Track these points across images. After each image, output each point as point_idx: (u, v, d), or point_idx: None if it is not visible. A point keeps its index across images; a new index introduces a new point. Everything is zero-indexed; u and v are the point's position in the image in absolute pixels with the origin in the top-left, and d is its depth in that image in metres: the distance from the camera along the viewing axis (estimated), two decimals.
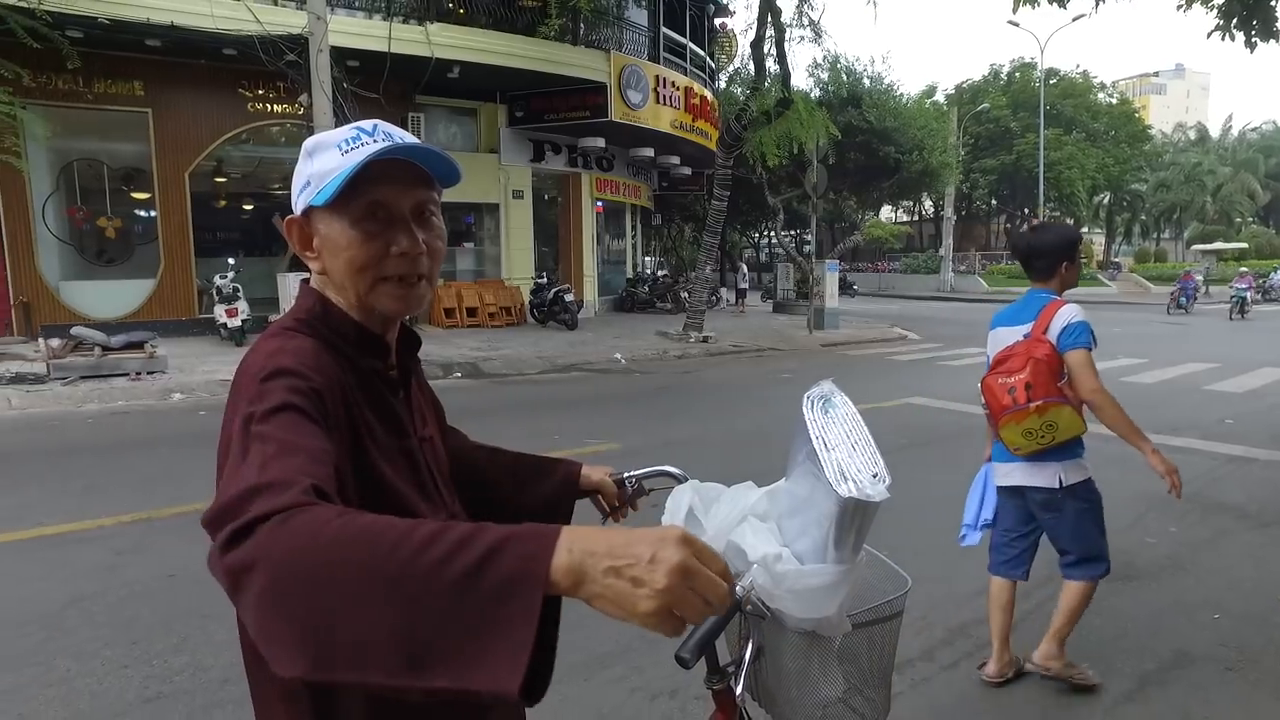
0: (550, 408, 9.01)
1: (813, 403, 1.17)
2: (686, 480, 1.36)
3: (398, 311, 1.06)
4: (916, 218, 55.75)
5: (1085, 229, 54.13)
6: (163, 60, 13.75)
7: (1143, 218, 54.87)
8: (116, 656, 3.11)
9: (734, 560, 1.15)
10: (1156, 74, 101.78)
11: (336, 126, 8.15)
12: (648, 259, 24.97)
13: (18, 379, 9.57)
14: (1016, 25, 32.18)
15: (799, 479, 1.17)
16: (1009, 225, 50.38)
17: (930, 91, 45.92)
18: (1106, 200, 51.45)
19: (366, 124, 1.04)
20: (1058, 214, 46.62)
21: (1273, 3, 6.25)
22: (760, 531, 1.17)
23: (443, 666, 0.66)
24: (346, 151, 0.99)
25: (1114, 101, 49.01)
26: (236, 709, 2.74)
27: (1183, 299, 23.57)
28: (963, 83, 48.18)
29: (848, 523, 1.03)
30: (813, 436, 1.09)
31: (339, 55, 12.54)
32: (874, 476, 1.03)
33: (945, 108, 37.40)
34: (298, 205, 1.05)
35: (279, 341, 1.00)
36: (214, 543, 0.76)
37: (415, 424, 1.12)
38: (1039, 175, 34.31)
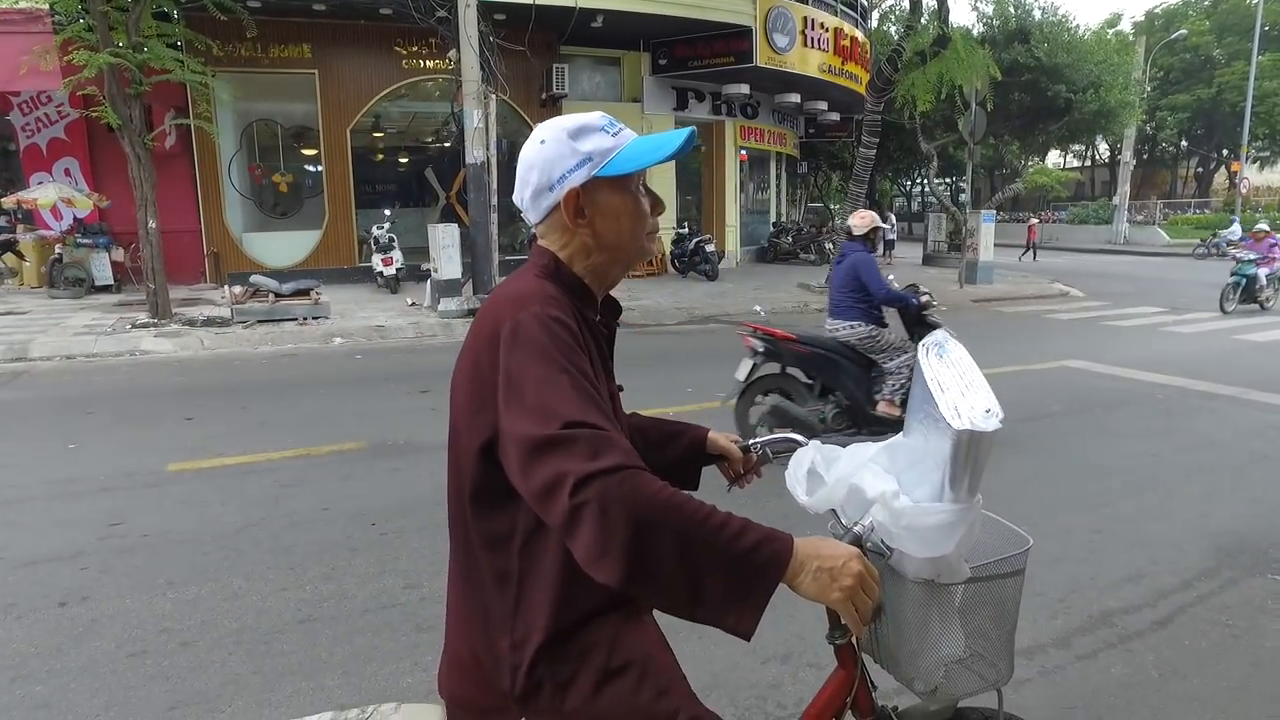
0: (686, 359, 9.02)
1: (928, 349, 1.24)
2: (808, 443, 1.41)
3: (654, 251, 1.34)
4: (1088, 163, 50.83)
5: None
6: (327, 23, 14.58)
7: None
8: (278, 579, 3.44)
9: (854, 502, 1.25)
10: None
11: (483, 80, 8.34)
12: (787, 207, 24.19)
13: (209, 322, 10.64)
14: None
15: (916, 432, 1.24)
16: (1200, 170, 44.97)
17: (1114, 21, 41.29)
18: None
19: (604, 114, 1.26)
20: (1266, 154, 41.06)
21: None
22: (879, 474, 1.24)
23: (710, 605, 1.00)
24: (615, 134, 1.23)
25: None
26: (374, 636, 2.97)
27: None
28: (1154, 7, 42.95)
29: (962, 457, 1.09)
30: (928, 379, 1.16)
31: (486, 9, 12.79)
32: (987, 412, 1.09)
33: (1131, 38, 33.54)
34: (572, 179, 1.21)
35: (541, 286, 1.21)
36: (543, 459, 1.01)
37: (613, 374, 1.35)
38: (1246, 109, 30.21)
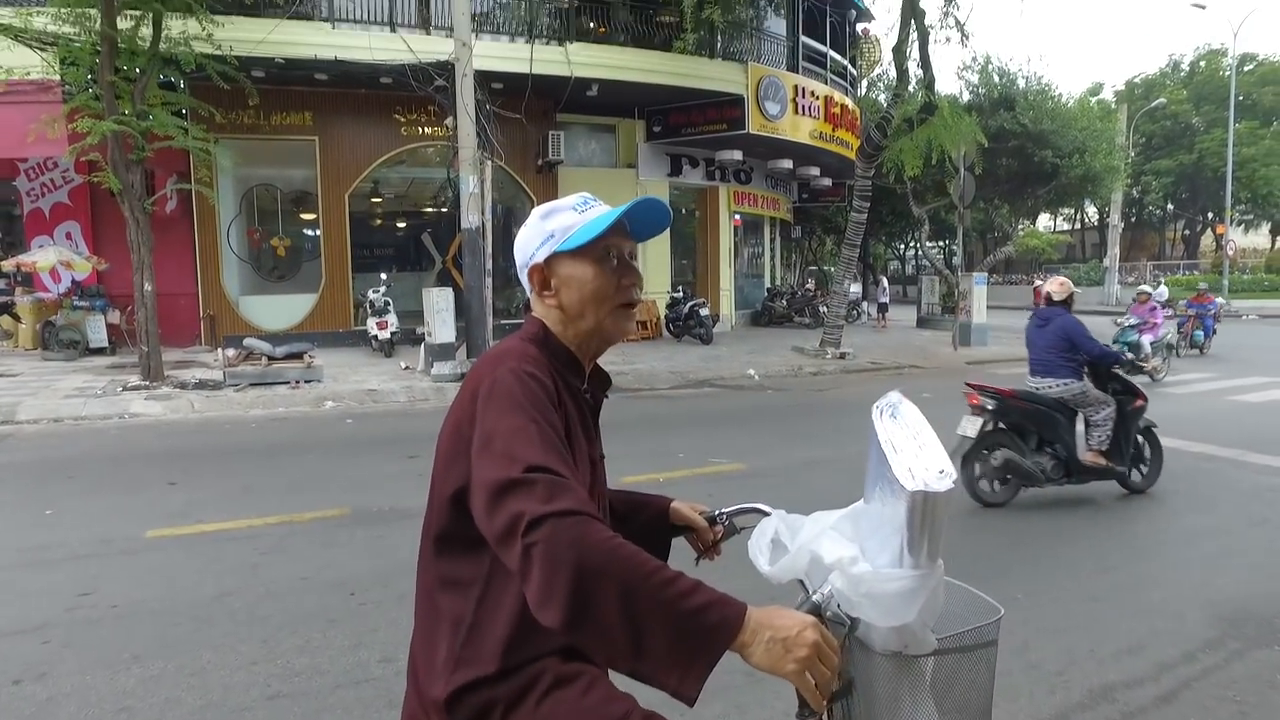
0: (678, 424, 8.96)
1: (881, 412, 1.23)
2: (773, 513, 1.40)
3: (624, 330, 1.36)
4: (1078, 226, 51.69)
5: None
6: (329, 92, 14.94)
7: None
8: (249, 652, 3.32)
9: (814, 570, 1.22)
10: None
11: (479, 146, 8.55)
12: (774, 271, 24.43)
13: (201, 385, 10.58)
14: (1203, 8, 29.29)
15: (876, 498, 1.21)
16: (1187, 232, 45.72)
17: (1096, 90, 42.56)
18: None
19: (586, 195, 1.36)
20: (1250, 217, 41.83)
21: None
22: (838, 540, 1.22)
23: (652, 662, 0.98)
24: (582, 211, 1.31)
25: None
26: (345, 714, 2.84)
27: None
28: (1134, 78, 44.33)
29: (918, 520, 1.06)
30: (881, 441, 1.15)
31: (484, 78, 13.14)
32: (940, 472, 1.06)
33: (1113, 106, 34.50)
34: (538, 256, 1.32)
35: (522, 347, 1.29)
36: (504, 501, 1.04)
37: (596, 443, 1.38)
38: (1227, 175, 30.91)
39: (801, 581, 1.28)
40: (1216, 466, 6.75)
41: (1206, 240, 44.72)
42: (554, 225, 1.31)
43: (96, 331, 13.51)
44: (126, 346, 13.46)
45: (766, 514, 1.47)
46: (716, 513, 1.59)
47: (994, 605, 1.29)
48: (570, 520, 0.99)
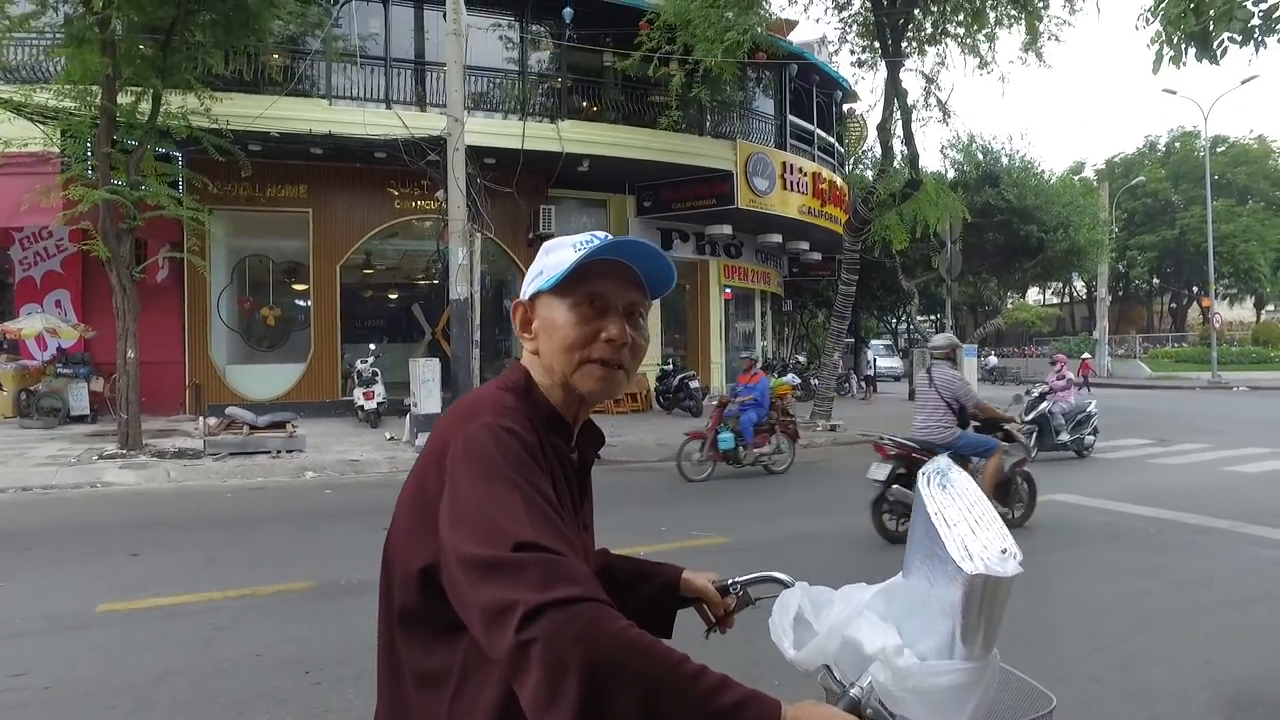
0: (662, 497, 8.77)
1: (929, 479, 1.09)
2: (794, 584, 1.30)
3: (595, 392, 1.15)
4: (1067, 299, 52.35)
5: (1271, 307, 48.93)
6: (324, 165, 15.19)
7: None
8: None
9: (850, 658, 1.09)
10: None
11: (470, 219, 8.57)
12: (763, 344, 24.53)
13: (180, 454, 10.39)
14: (1174, 93, 30.33)
15: (917, 574, 1.08)
16: (1174, 306, 46.31)
17: (1078, 168, 43.72)
18: None
19: (599, 233, 1.18)
20: (1234, 292, 42.42)
21: None
22: (878, 624, 1.08)
23: None
24: (579, 249, 1.13)
25: None
26: None
27: None
28: (1113, 157, 45.63)
29: (976, 606, 0.93)
30: (931, 514, 1.01)
31: (476, 153, 13.40)
32: (1003, 552, 0.94)
33: (1095, 183, 35.40)
34: (526, 291, 1.19)
35: (497, 397, 1.12)
36: (489, 588, 0.89)
37: (583, 510, 1.22)
38: (1209, 251, 31.51)
39: (828, 666, 1.14)
40: (1212, 539, 6.57)
41: (1193, 313, 45.29)
42: (549, 260, 1.17)
43: (79, 399, 13.35)
44: (108, 414, 13.28)
45: (786, 584, 1.37)
46: (729, 582, 1.47)
47: (1046, 694, 1.18)
48: (575, 610, 0.85)
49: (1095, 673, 3.79)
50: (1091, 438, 11.88)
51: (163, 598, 4.80)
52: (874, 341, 39.90)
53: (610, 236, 1.16)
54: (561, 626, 0.83)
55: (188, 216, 11.49)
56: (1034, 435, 11.08)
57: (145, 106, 10.90)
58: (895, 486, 6.44)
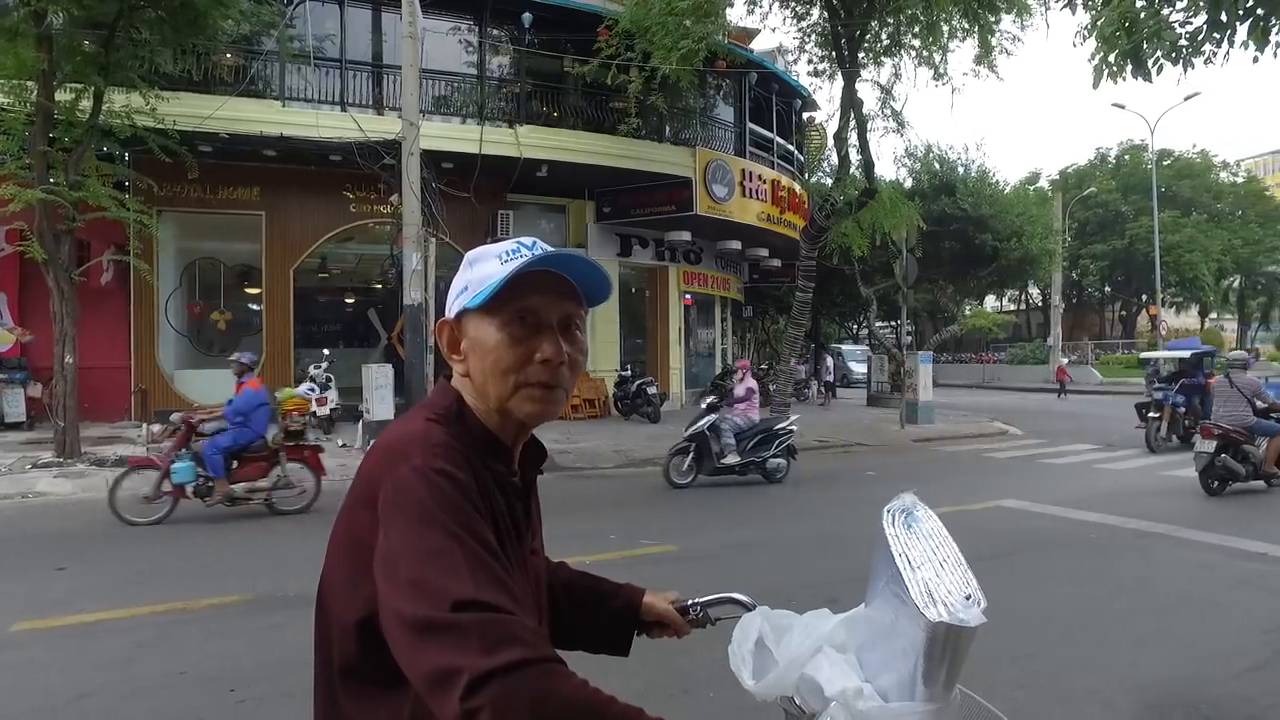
0: (615, 504, 8.74)
1: (894, 517, 1.08)
2: (755, 608, 1.28)
3: (534, 415, 1.08)
4: (1023, 306, 53.47)
5: (1214, 315, 50.49)
6: (278, 168, 14.91)
7: None
8: None
9: (809, 697, 1.07)
10: None
11: (425, 225, 8.38)
12: (724, 350, 24.67)
13: (120, 462, 10.08)
14: (1122, 108, 31.23)
15: (880, 605, 1.07)
16: (1124, 313, 47.58)
17: (1033, 178, 44.73)
18: (1237, 283, 47.96)
19: (527, 239, 1.09)
20: (1180, 300, 43.69)
21: None
22: (838, 664, 1.07)
23: None
24: (506, 261, 1.05)
25: (1239, 180, 46.33)
26: None
27: None
28: (1067, 168, 46.78)
29: (938, 652, 0.93)
30: (895, 555, 1.00)
31: (434, 158, 13.26)
32: (967, 599, 0.94)
33: (1049, 194, 36.25)
34: (452, 309, 1.10)
35: (426, 431, 1.02)
36: (428, 650, 0.84)
37: (530, 535, 1.15)
38: (1155, 260, 32.42)
39: (792, 698, 1.13)
40: (1148, 543, 6.72)
41: (1142, 320, 46.54)
42: (474, 274, 1.08)
43: (14, 405, 12.94)
44: (47, 421, 12.87)
45: (746, 607, 1.35)
46: (689, 603, 1.44)
47: (1001, 718, 1.17)
48: (524, 675, 0.80)
49: (1024, 680, 3.84)
50: (781, 461, 9.74)
51: (86, 614, 4.64)
52: (846, 347, 40.42)
53: (539, 243, 1.09)
54: (509, 695, 0.79)
55: (129, 218, 11.19)
56: (689, 455, 9.41)
57: (86, 104, 10.60)
58: (1222, 456, 8.55)
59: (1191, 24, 5.18)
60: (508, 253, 1.06)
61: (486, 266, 1.07)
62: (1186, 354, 14.40)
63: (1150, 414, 13.10)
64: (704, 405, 9.96)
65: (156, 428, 10.79)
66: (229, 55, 13.98)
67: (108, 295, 14.28)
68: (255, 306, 15.97)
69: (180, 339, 15.39)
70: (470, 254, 1.12)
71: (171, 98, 11.64)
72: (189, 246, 15.47)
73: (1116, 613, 4.91)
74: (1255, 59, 5.41)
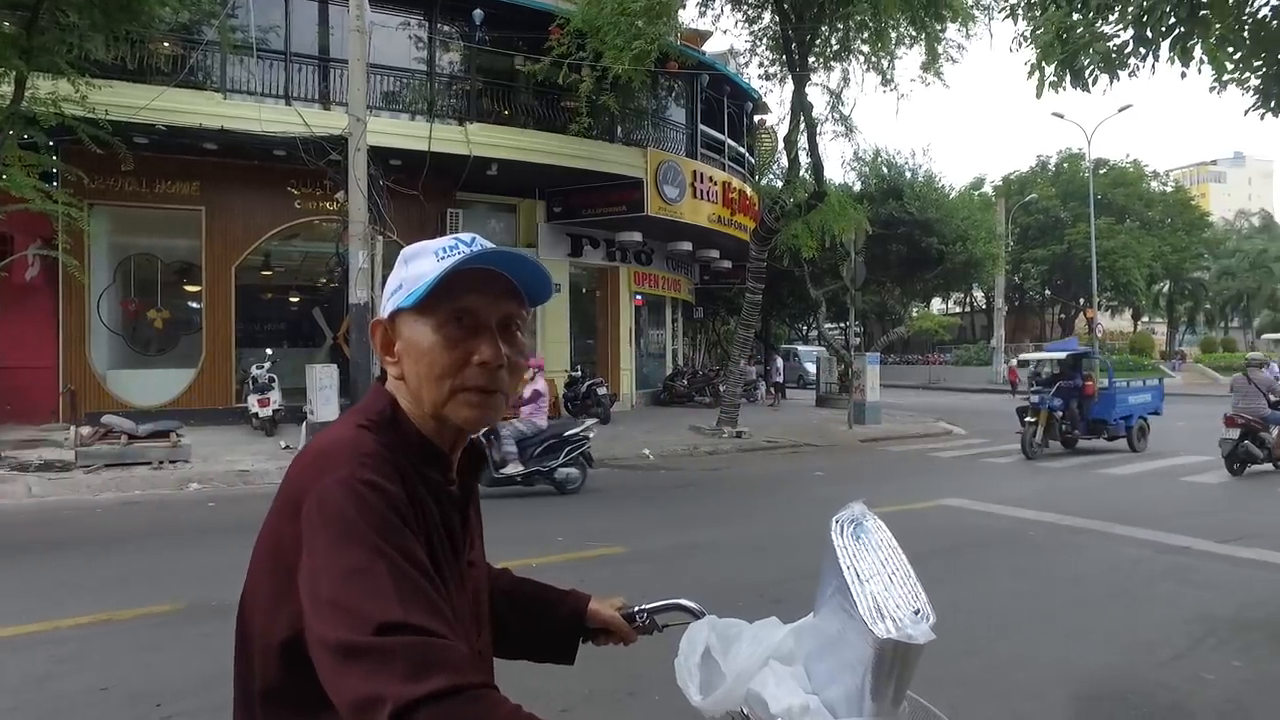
0: (563, 506, 8.67)
1: (842, 527, 1.05)
2: (704, 616, 1.26)
3: (472, 421, 1.03)
4: (968, 309, 54.87)
5: (1146, 318, 52.47)
6: (218, 162, 14.45)
7: (1206, 306, 53.02)
8: None
9: (756, 712, 1.05)
10: (1215, 162, 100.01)
11: (371, 223, 8.13)
12: (676, 351, 24.77)
13: (45, 466, 9.67)
14: (1061, 117, 32.15)
15: (828, 615, 1.05)
16: (1063, 316, 49.17)
17: (978, 184, 45.91)
18: (1166, 289, 49.99)
19: (465, 235, 1.05)
20: (1115, 304, 45.29)
21: None
22: (784, 679, 1.06)
23: None
24: (442, 258, 1.00)
25: (1168, 190, 48.24)
26: None
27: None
28: (1010, 174, 48.14)
29: (886, 668, 0.92)
30: (844, 567, 0.99)
31: (382, 154, 13.01)
32: (916, 614, 0.93)
33: (993, 198, 37.26)
34: (386, 308, 1.05)
35: (355, 439, 0.98)
36: (351, 675, 0.79)
37: (468, 546, 1.10)
38: (1092, 265, 33.57)
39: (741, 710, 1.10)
40: (1084, 540, 6.92)
41: (1080, 323, 48.16)
42: (409, 272, 1.03)
43: None
44: None
45: (695, 614, 1.33)
46: (636, 609, 1.41)
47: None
48: (452, 703, 0.77)
49: (964, 677, 3.90)
50: (573, 471, 9.11)
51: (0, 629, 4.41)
52: (802, 348, 40.81)
53: (478, 239, 1.04)
54: None
55: (54, 211, 10.72)
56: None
57: (6, 89, 10.11)
58: (1244, 443, 10.24)
59: (1119, 37, 5.35)
60: (445, 249, 1.02)
61: (422, 264, 1.02)
62: (1063, 355, 13.81)
63: (1027, 419, 12.50)
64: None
65: (86, 430, 10.37)
66: (166, 44, 13.49)
67: (34, 292, 13.66)
68: (195, 305, 15.46)
69: (114, 338, 14.82)
70: (406, 250, 1.07)
71: (104, 86, 11.14)
72: (124, 242, 14.91)
73: (1051, 607, 5.04)
74: (1183, 74, 5.60)
